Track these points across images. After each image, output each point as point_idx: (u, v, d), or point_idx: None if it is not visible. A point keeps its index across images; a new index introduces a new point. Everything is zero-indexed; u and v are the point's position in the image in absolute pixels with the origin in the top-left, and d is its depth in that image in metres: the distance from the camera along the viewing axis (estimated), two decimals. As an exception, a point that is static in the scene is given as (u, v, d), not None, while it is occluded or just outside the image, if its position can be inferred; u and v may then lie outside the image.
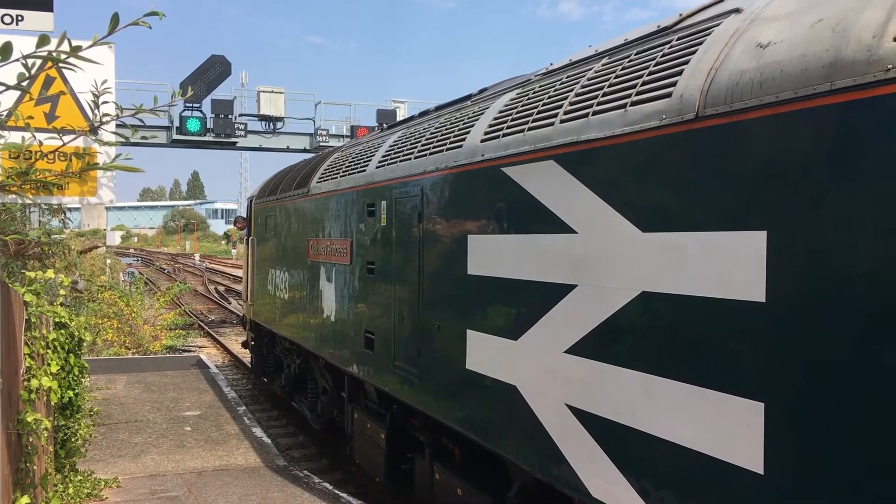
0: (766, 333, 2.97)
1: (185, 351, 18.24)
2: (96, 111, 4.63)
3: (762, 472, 2.96)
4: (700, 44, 3.59)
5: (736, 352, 3.12)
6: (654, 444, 3.53)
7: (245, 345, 15.17)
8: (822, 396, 2.75)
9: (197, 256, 63.02)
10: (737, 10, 3.57)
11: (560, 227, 4.31)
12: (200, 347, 19.53)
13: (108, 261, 29.75)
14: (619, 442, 3.80)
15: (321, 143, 28.77)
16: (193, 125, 26.98)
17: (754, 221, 3.03)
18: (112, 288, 19.51)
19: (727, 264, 3.15)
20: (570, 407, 4.18)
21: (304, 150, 29.16)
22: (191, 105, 26.78)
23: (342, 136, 29.91)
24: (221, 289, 35.28)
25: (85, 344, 6.89)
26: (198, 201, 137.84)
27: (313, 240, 9.27)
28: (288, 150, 29.93)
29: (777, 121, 2.94)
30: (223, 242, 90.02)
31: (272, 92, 29.31)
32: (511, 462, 5.00)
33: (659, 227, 3.56)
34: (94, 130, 5.36)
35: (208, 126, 27.33)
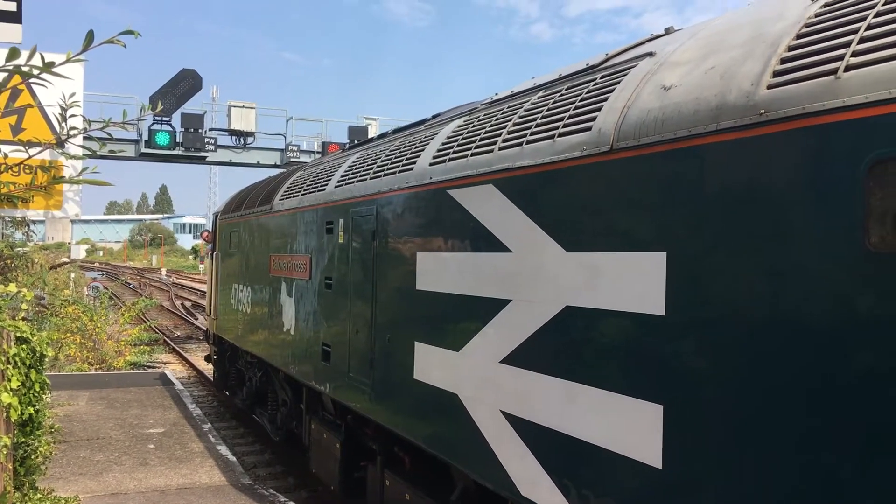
0: (665, 343, 3.34)
1: (149, 367, 18.26)
2: (63, 124, 4.81)
3: (661, 468, 3.31)
4: (618, 83, 3.98)
5: (641, 359, 3.48)
6: (574, 445, 3.88)
7: (208, 359, 15.31)
8: (712, 399, 3.12)
9: (163, 271, 62.61)
10: (650, 54, 3.97)
11: (497, 246, 4.66)
12: (165, 363, 19.54)
13: (73, 275, 29.54)
14: (545, 444, 4.14)
15: (292, 159, 28.97)
16: (162, 139, 27.04)
17: (656, 244, 3.40)
18: (76, 302, 19.48)
19: (635, 281, 3.52)
20: (504, 413, 4.51)
21: (275, 166, 29.33)
22: (160, 119, 26.87)
23: (313, 153, 30.12)
24: (188, 304, 35.14)
25: (47, 359, 6.93)
26: (165, 215, 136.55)
27: (275, 255, 9.54)
28: (258, 165, 30.07)
29: (674, 155, 3.33)
30: (191, 257, 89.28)
31: (243, 107, 29.46)
32: (453, 466, 5.31)
33: (580, 248, 3.93)
34: (60, 143, 5.46)
35: (178, 140, 27.41)
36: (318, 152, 30.05)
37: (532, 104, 4.81)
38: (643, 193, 3.51)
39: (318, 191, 8.10)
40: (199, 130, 27.76)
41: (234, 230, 12.09)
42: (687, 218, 3.26)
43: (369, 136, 22.84)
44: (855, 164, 2.57)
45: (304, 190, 8.68)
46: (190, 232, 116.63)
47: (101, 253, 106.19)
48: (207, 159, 29.00)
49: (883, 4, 2.78)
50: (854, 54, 2.68)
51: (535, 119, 4.56)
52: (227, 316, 12.52)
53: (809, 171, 2.74)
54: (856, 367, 2.57)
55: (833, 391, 2.64)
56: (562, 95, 4.52)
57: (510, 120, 4.88)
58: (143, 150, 26.83)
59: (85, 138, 6.62)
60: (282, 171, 13.93)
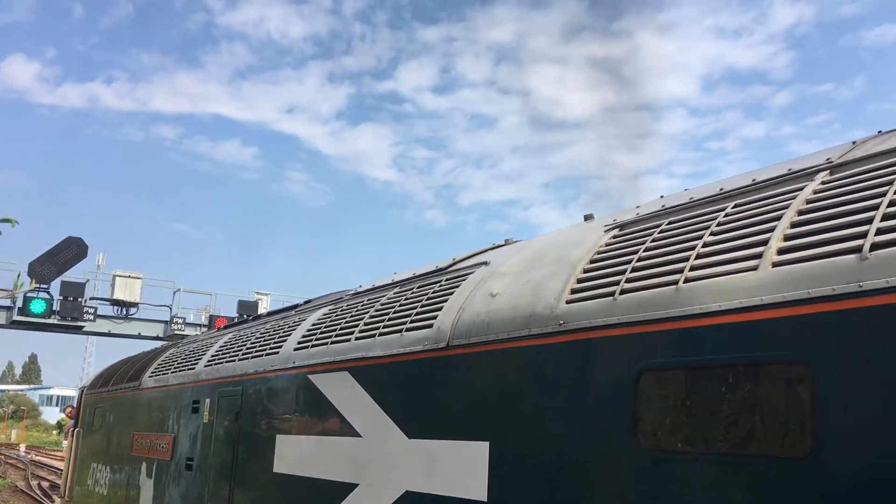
0: (486, 528, 3.62)
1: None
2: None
3: None
4: (458, 286, 4.51)
5: (466, 544, 3.73)
6: None
7: (56, 546, 14.10)
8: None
9: (22, 447, 57.61)
10: (486, 263, 4.56)
11: (350, 430, 4.91)
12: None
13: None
14: None
15: (176, 332, 28.32)
16: (37, 307, 26.04)
17: (481, 433, 3.78)
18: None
19: (463, 468, 3.84)
20: None
21: (157, 338, 28.53)
22: (38, 286, 26.04)
23: (200, 325, 29.63)
24: (46, 484, 32.27)
25: None
26: (31, 386, 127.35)
27: (139, 434, 9.29)
28: (139, 336, 29.17)
29: (497, 354, 3.80)
30: (55, 432, 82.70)
31: (129, 277, 28.97)
32: None
33: (419, 435, 4.25)
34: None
35: (54, 308, 26.47)
36: (205, 325, 29.57)
37: (388, 299, 5.28)
38: (471, 387, 3.93)
39: (188, 369, 8.15)
40: (79, 299, 26.99)
41: (99, 406, 11.68)
42: (505, 411, 3.67)
43: (259, 311, 22.88)
44: (628, 372, 3.08)
45: (175, 368, 8.70)
46: (57, 405, 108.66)
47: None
48: (84, 329, 28.00)
49: (651, 241, 3.43)
50: (627, 280, 3.28)
51: (387, 314, 5.00)
52: (82, 499, 11.76)
53: (595, 377, 3.24)
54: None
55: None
56: (413, 293, 5.01)
57: (367, 312, 5.31)
58: (15, 317, 25.71)
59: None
60: (165, 343, 13.78)
